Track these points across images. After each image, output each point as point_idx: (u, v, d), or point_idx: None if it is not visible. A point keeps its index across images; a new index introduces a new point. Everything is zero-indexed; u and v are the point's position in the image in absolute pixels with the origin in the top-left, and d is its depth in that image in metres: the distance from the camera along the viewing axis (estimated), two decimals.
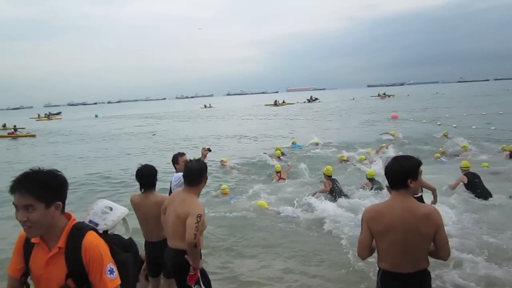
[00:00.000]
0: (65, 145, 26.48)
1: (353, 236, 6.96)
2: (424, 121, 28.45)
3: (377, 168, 11.70)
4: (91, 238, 2.10)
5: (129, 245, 2.51)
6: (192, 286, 3.94)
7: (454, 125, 22.93)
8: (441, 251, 3.00)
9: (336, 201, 9.50)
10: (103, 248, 2.11)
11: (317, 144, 19.02)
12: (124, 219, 2.77)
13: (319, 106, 62.64)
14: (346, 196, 9.80)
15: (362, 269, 5.86)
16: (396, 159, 3.16)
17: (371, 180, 10.32)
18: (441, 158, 14.35)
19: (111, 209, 2.70)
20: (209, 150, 6.69)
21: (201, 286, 3.93)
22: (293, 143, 19.00)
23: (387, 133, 20.96)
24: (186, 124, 42.02)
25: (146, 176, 4.52)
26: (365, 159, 14.56)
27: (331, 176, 10.38)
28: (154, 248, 4.50)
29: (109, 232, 2.58)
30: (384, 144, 16.92)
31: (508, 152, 13.78)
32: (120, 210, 2.73)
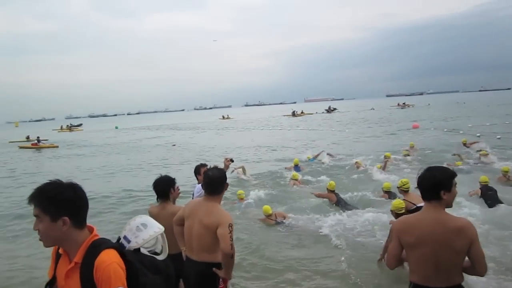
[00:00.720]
0: (87, 157, 26.85)
1: (353, 247, 7.28)
2: (445, 130, 28.05)
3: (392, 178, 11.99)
4: (104, 258, 2.04)
5: (162, 266, 2.39)
6: None
7: (478, 134, 22.50)
8: (477, 266, 2.89)
9: (342, 213, 9.45)
10: (115, 269, 2.02)
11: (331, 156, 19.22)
12: (163, 238, 2.55)
13: (339, 117, 62.29)
14: (351, 207, 9.96)
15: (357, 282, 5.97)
16: (429, 169, 3.06)
17: (388, 192, 10.36)
18: (462, 167, 13.98)
19: (146, 226, 2.53)
20: (232, 160, 6.72)
21: None
22: (308, 158, 19.08)
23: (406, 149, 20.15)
24: (205, 135, 42.28)
25: (162, 186, 4.56)
26: (380, 167, 14.45)
27: (334, 191, 10.53)
28: (175, 260, 4.44)
29: (148, 251, 2.44)
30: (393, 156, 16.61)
31: None
32: (154, 229, 2.51)
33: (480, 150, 15.87)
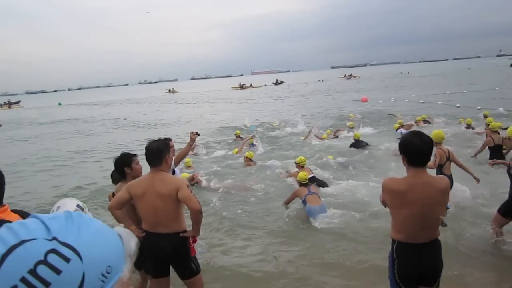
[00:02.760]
0: (39, 138, 25.85)
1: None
2: (392, 99, 29.19)
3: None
4: None
5: None
6: (194, 257, 4.10)
7: (422, 101, 24.01)
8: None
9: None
10: None
11: (276, 125, 20.09)
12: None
13: (287, 89, 63.06)
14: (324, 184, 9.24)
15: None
16: (417, 136, 3.15)
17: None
18: (401, 130, 14.50)
19: (59, 208, 2.64)
20: (198, 134, 6.91)
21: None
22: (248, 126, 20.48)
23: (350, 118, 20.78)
24: (153, 108, 41.72)
25: (117, 166, 4.67)
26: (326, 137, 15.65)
27: (303, 166, 9.36)
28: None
29: None
30: (341, 128, 17.36)
31: (465, 125, 15.21)
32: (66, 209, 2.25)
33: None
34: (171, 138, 6.89)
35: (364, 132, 15.79)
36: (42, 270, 0.72)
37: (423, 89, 38.82)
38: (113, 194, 5.47)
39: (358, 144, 12.88)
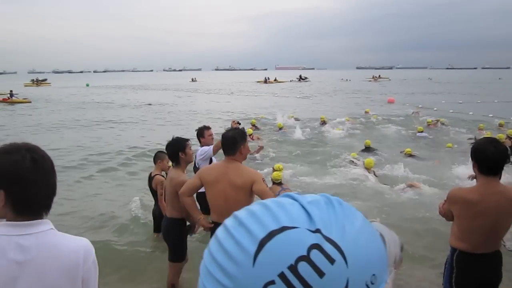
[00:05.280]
0: (69, 112, 26.36)
1: None
2: (420, 106, 28.58)
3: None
4: None
5: None
6: None
7: (451, 110, 23.57)
8: None
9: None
10: None
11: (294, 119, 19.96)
12: None
13: (311, 86, 62.80)
14: None
15: None
16: (494, 144, 3.04)
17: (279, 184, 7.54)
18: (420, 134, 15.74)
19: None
20: (239, 123, 7.07)
21: None
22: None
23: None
24: (184, 97, 42.06)
25: (170, 149, 4.63)
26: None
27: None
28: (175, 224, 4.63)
29: None
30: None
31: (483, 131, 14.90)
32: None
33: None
34: (210, 126, 7.14)
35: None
36: (304, 269, 0.57)
37: (452, 96, 38.01)
38: (151, 177, 5.71)
39: (368, 150, 13.35)
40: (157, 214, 5.96)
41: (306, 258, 0.57)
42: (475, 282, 3.17)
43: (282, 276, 0.57)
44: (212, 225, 3.92)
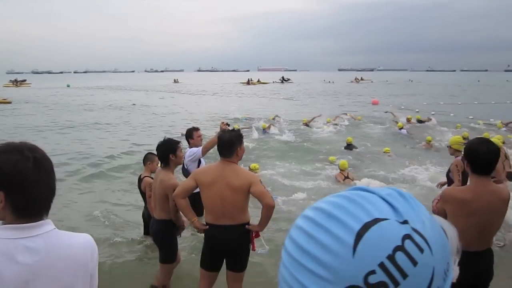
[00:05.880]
0: (49, 115, 25.93)
1: None
2: (402, 107, 28.91)
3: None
4: None
5: None
6: (257, 251, 4.09)
7: (433, 112, 24.13)
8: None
9: None
10: None
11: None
12: None
13: (295, 88, 63.01)
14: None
15: None
16: (487, 144, 3.09)
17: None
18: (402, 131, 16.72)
19: None
20: (228, 124, 6.97)
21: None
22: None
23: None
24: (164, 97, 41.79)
25: (161, 151, 4.59)
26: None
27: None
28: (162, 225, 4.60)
29: None
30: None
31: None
32: None
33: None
34: (198, 127, 7.13)
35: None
36: (400, 258, 0.60)
37: (434, 98, 38.63)
38: (140, 179, 5.70)
39: (349, 147, 14.07)
40: (146, 216, 5.91)
41: (401, 248, 0.60)
42: (467, 280, 3.13)
43: (382, 265, 0.59)
44: (207, 227, 3.89)
